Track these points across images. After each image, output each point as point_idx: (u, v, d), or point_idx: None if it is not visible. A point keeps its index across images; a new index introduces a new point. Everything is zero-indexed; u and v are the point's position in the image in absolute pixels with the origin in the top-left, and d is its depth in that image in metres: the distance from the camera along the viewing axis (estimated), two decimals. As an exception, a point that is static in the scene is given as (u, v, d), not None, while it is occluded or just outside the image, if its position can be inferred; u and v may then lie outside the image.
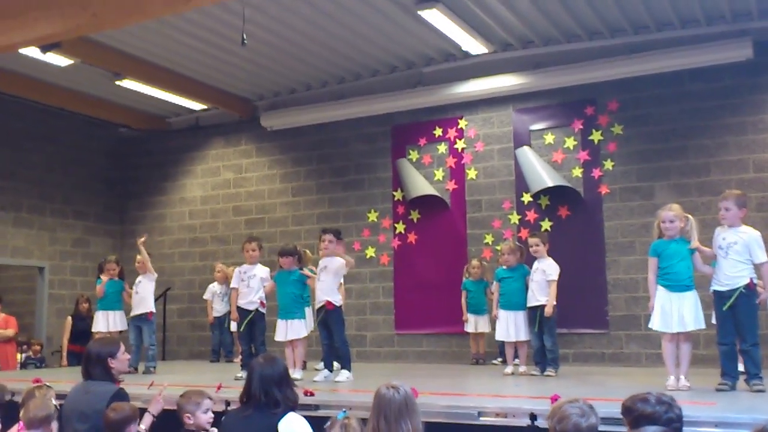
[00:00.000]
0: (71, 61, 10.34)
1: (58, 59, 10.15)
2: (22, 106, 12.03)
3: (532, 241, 8.29)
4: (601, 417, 4.63)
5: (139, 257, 9.38)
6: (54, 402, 4.60)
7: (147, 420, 4.74)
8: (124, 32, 9.66)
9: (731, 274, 6.10)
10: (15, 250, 12.12)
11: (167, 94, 11.95)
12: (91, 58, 10.39)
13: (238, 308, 8.12)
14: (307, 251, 8.83)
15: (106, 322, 9.19)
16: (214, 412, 4.67)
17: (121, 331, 9.27)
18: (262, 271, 8.16)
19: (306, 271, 8.03)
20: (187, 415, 4.53)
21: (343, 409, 3.99)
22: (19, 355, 11.04)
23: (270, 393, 4.16)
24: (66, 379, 6.76)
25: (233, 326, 9.54)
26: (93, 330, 9.35)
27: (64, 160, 12.92)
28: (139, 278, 9.34)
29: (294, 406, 4.27)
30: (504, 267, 8.45)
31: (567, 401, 3.36)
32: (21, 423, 4.52)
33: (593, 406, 3.33)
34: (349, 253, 11.02)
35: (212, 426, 4.62)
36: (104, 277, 9.41)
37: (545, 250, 8.18)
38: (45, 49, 9.16)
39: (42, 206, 12.54)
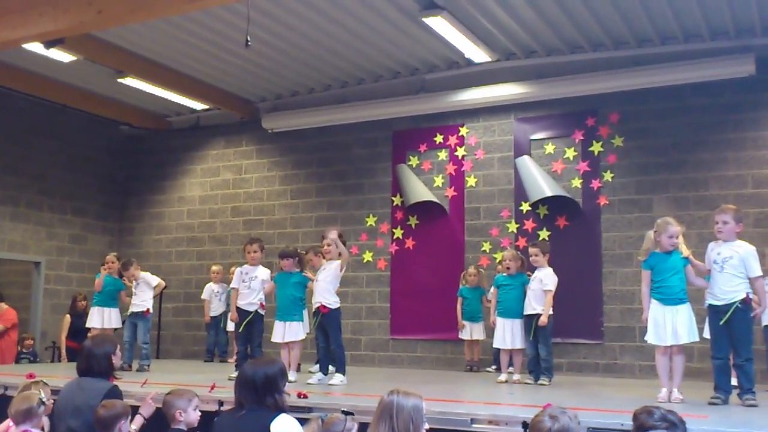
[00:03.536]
0: (74, 58, 10.37)
1: (61, 55, 10.18)
2: (24, 101, 12.04)
3: (532, 250, 8.28)
4: (593, 427, 4.66)
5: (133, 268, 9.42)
6: (44, 397, 4.58)
7: (138, 421, 4.73)
8: (128, 30, 9.68)
9: (727, 289, 6.10)
10: (11, 245, 12.12)
11: (169, 93, 11.98)
12: (95, 55, 10.42)
13: (238, 309, 8.11)
14: (306, 254, 8.82)
15: (101, 319, 9.16)
16: (207, 412, 4.66)
17: (115, 329, 9.26)
18: (263, 272, 8.16)
19: (308, 274, 8.04)
20: (179, 411, 4.52)
21: (325, 414, 3.98)
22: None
23: (249, 396, 4.16)
24: (61, 375, 6.76)
25: (230, 326, 9.54)
26: (87, 325, 9.31)
27: (65, 157, 12.93)
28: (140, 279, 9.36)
29: (283, 409, 4.26)
30: (504, 274, 8.45)
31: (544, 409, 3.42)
32: (10, 419, 4.52)
33: (571, 412, 3.35)
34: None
35: (203, 425, 4.62)
36: (103, 272, 9.39)
37: (545, 260, 8.17)
38: (48, 44, 9.16)
39: (40, 201, 12.54)
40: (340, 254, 7.71)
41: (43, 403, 4.54)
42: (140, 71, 11.10)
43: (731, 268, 6.11)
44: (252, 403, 4.15)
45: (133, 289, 9.31)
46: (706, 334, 6.53)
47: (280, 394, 4.26)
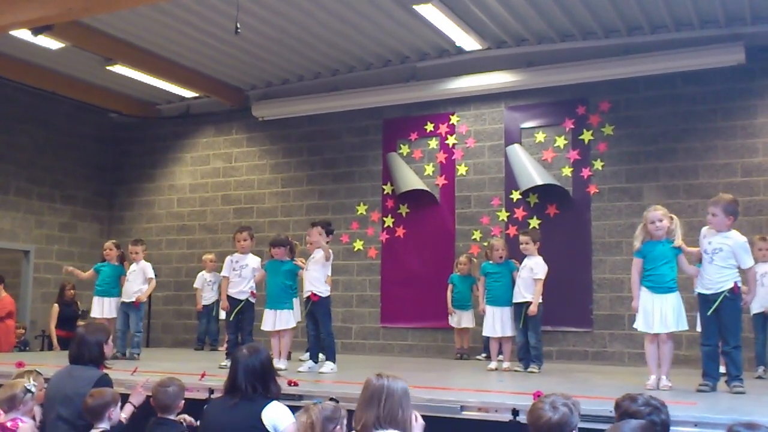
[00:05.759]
0: (63, 45, 10.29)
1: (49, 42, 10.10)
2: (12, 89, 11.96)
3: (522, 238, 8.22)
4: (582, 414, 4.67)
5: (133, 248, 9.36)
6: (30, 386, 4.57)
7: (128, 409, 4.73)
8: (117, 17, 9.61)
9: (716, 279, 6.12)
10: (0, 233, 12.05)
11: (159, 80, 11.91)
12: (83, 42, 10.34)
13: (229, 297, 8.10)
14: (297, 243, 8.81)
15: (101, 308, 9.15)
16: (197, 401, 4.67)
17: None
18: (254, 261, 8.14)
19: (299, 262, 8.03)
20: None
21: (319, 399, 3.98)
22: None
23: (254, 383, 4.17)
24: (51, 363, 6.74)
25: (222, 314, 9.53)
26: (92, 315, 9.28)
27: (54, 145, 12.85)
28: (134, 267, 9.31)
29: (277, 396, 4.28)
30: (491, 262, 8.43)
31: (545, 396, 3.38)
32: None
33: (572, 401, 3.32)
34: (337, 246, 11.07)
35: (193, 414, 4.64)
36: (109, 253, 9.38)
37: (535, 248, 8.13)
38: (36, 31, 9.09)
39: (29, 189, 12.47)
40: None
41: (28, 391, 4.53)
42: (129, 59, 11.03)
43: (720, 260, 6.13)
44: (245, 391, 4.16)
45: (128, 276, 9.26)
46: (699, 323, 6.55)
47: (273, 382, 4.30)
